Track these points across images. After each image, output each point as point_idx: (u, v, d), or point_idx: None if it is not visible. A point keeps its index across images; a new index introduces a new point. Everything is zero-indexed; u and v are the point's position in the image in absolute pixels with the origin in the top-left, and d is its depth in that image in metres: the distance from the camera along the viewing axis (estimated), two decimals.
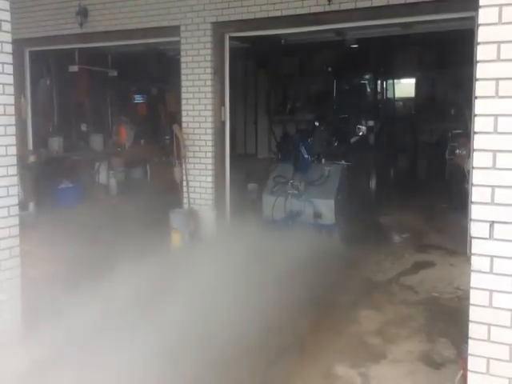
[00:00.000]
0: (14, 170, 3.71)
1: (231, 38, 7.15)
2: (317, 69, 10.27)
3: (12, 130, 3.69)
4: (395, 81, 12.20)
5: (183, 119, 7.11)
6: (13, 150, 3.69)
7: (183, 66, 6.98)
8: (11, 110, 3.68)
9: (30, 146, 8.72)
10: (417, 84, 12.35)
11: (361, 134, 8.12)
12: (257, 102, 13.53)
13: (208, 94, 6.88)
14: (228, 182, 7.28)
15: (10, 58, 3.64)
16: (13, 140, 3.70)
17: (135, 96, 11.67)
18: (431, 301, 4.90)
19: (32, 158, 8.29)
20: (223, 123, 7.13)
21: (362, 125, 8.10)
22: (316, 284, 4.96)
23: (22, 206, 7.88)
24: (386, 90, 10.43)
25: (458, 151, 7.17)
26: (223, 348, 3.80)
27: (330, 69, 9.48)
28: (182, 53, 6.96)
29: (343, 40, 8.89)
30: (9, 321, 3.63)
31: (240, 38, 7.65)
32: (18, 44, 8.14)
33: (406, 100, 12.45)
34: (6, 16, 3.61)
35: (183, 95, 7.06)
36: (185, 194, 7.08)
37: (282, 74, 12.78)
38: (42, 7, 8.02)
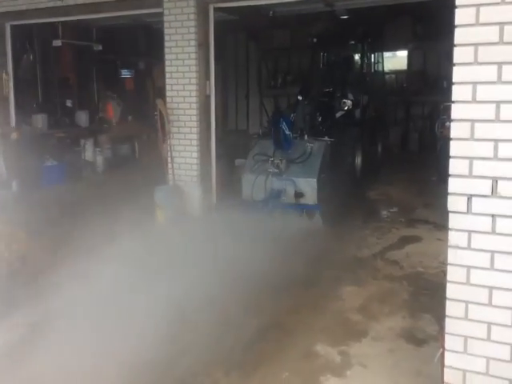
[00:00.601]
0: None
1: (216, 9, 6.93)
2: (307, 41, 10.02)
3: None
4: (388, 53, 11.95)
5: (167, 93, 6.93)
6: None
7: (166, 38, 6.77)
8: None
9: (13, 123, 8.53)
10: (409, 56, 12.13)
11: (346, 108, 7.78)
12: (248, 76, 13.31)
13: (192, 68, 6.69)
14: (214, 158, 7.14)
15: None
16: None
17: (122, 70, 11.39)
18: (416, 276, 4.82)
19: (15, 135, 8.14)
20: (208, 97, 6.96)
21: (348, 98, 7.76)
22: (298, 261, 4.88)
23: (5, 184, 7.79)
24: (376, 62, 10.18)
25: (447, 124, 7.03)
26: (200, 327, 3.74)
27: (314, 40, 9.16)
28: (165, 24, 6.74)
29: (333, 11, 8.67)
30: None
31: (226, 9, 7.42)
32: None
33: (398, 73, 12.24)
34: None
35: (167, 69, 6.86)
36: (170, 171, 6.94)
37: (273, 47, 12.53)
38: None
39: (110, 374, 3.15)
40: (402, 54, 12.34)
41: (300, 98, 7.11)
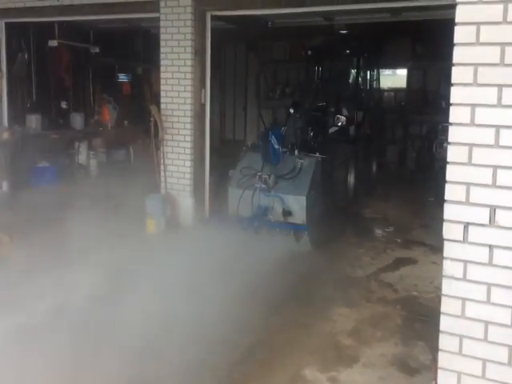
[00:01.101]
0: None
1: (214, 17, 6.82)
2: (305, 54, 9.89)
3: None
4: (388, 71, 11.84)
5: (162, 100, 6.82)
6: None
7: (162, 43, 6.66)
8: None
9: (6, 123, 8.40)
10: (408, 75, 12.04)
11: (340, 124, 7.53)
12: (246, 86, 13.22)
13: (188, 75, 6.58)
14: (207, 168, 7.01)
15: None
16: None
17: (119, 74, 11.25)
18: (410, 300, 4.65)
19: (6, 135, 8.01)
20: (203, 106, 6.83)
21: (342, 114, 7.50)
22: (289, 280, 4.73)
23: None
24: (374, 79, 10.03)
25: (445, 144, 6.90)
26: (186, 344, 3.58)
27: (309, 52, 8.98)
28: (162, 30, 6.63)
29: (332, 25, 8.57)
30: None
31: (224, 17, 7.33)
32: None
33: (397, 91, 12.15)
34: None
35: (162, 75, 6.74)
36: (162, 179, 6.80)
37: (272, 58, 12.45)
38: None
39: None
40: (402, 73, 12.25)
41: (292, 111, 6.82)
